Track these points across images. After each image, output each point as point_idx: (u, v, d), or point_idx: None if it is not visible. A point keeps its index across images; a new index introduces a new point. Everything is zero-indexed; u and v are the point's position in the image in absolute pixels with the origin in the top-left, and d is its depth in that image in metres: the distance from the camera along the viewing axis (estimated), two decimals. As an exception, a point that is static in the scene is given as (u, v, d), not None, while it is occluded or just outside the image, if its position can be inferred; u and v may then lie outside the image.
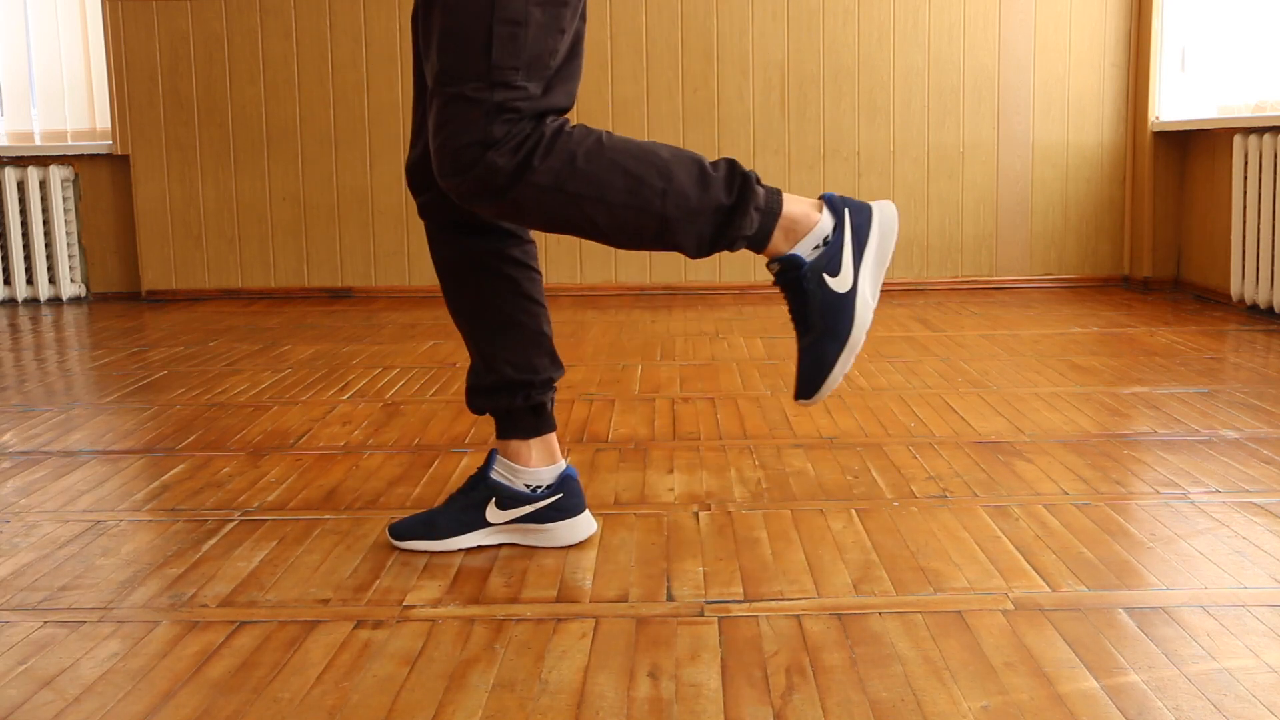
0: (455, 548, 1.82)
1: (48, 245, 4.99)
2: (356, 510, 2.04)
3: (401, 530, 1.84)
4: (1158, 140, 4.62)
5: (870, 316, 1.68)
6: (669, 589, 1.65)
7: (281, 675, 1.41)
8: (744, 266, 4.84)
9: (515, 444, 1.83)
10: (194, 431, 2.63)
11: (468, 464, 2.31)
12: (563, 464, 1.86)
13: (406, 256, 4.91)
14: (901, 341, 3.59)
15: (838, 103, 4.77)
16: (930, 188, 4.81)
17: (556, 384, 1.85)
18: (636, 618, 1.56)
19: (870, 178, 4.80)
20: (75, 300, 5.03)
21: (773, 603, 1.60)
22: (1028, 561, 1.73)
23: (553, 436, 1.86)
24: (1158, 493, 2.05)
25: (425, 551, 1.82)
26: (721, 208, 1.59)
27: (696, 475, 2.22)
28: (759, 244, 1.64)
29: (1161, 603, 1.57)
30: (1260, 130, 3.94)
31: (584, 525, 1.86)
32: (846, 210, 1.68)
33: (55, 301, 5.01)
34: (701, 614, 1.57)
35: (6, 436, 2.61)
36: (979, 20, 4.73)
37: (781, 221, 1.63)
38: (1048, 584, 1.64)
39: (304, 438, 2.55)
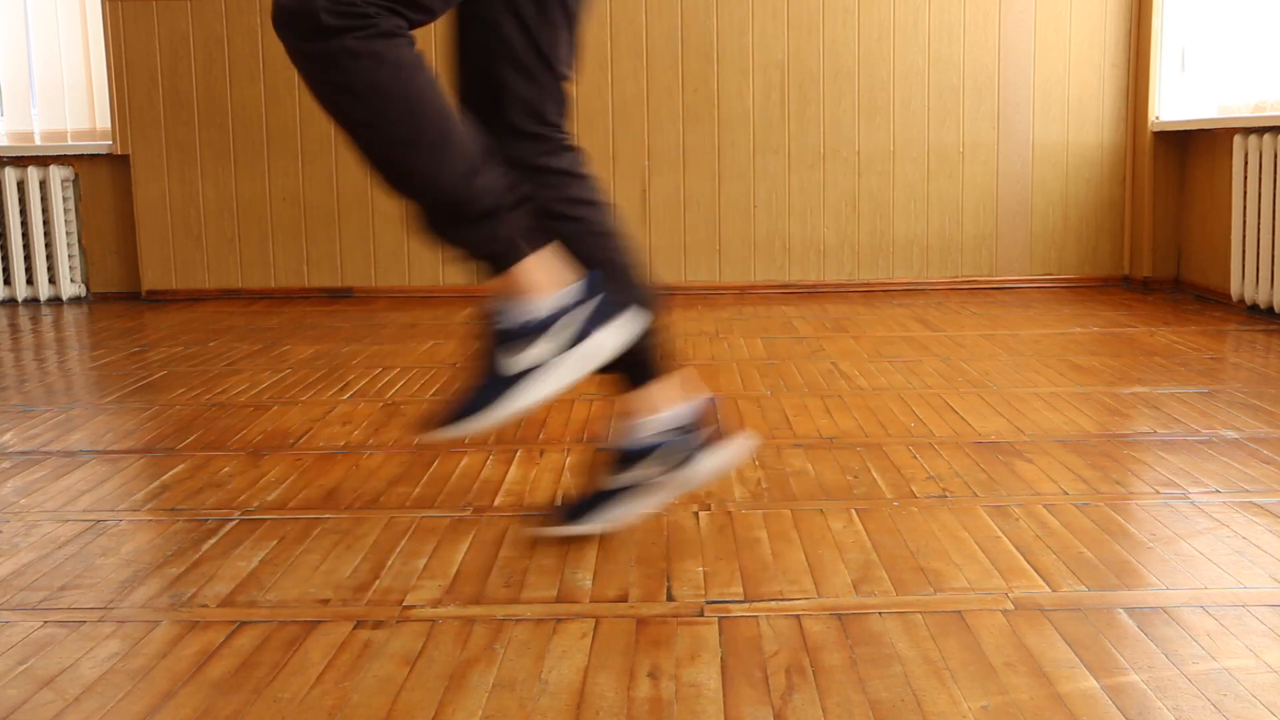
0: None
1: (48, 245, 4.99)
2: (356, 510, 2.04)
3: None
4: (1158, 140, 4.62)
5: (514, 412, 1.61)
6: (669, 589, 1.65)
7: (281, 675, 1.41)
8: (743, 267, 4.84)
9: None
10: (194, 431, 2.63)
11: (467, 463, 2.30)
12: None
13: (406, 256, 4.91)
14: (901, 341, 3.59)
15: (838, 103, 4.77)
16: (930, 188, 4.81)
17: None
18: (636, 618, 1.56)
19: (870, 178, 4.80)
20: (75, 300, 5.03)
21: (773, 603, 1.60)
22: (1028, 561, 1.73)
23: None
24: (1158, 493, 2.05)
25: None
26: (470, 208, 1.55)
27: (696, 475, 2.21)
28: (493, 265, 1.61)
29: (1161, 603, 1.57)
30: (1260, 130, 3.94)
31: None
32: (595, 302, 1.65)
33: (55, 301, 5.01)
34: (701, 614, 1.57)
35: (6, 436, 2.61)
36: (979, 20, 4.73)
37: (518, 269, 1.60)
38: (1048, 584, 1.64)
39: (304, 438, 2.55)
